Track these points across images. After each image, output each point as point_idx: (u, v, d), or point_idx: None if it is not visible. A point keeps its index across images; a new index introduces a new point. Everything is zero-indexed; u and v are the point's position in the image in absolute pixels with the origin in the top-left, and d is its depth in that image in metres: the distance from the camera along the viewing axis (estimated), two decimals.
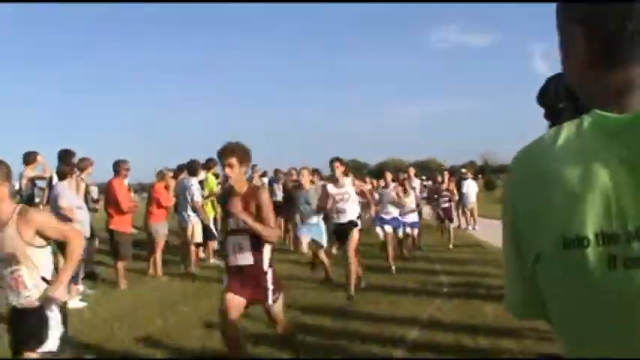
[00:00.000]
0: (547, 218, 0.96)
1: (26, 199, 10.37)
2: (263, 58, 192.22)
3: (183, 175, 11.98)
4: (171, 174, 12.16)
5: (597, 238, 0.91)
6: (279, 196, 14.94)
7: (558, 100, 1.82)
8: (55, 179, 9.20)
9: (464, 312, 7.39)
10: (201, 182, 11.91)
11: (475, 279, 9.54)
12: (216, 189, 12.42)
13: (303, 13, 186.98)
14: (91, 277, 10.04)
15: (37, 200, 10.35)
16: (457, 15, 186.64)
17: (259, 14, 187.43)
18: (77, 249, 4.00)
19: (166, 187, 11.54)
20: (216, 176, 12.76)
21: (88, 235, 9.13)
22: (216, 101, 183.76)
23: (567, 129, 0.98)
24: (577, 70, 1.07)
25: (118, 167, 10.16)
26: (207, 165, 12.54)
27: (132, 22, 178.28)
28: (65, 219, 8.62)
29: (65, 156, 9.63)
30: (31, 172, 10.15)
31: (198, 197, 11.38)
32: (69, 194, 8.88)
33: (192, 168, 11.72)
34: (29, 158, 10.15)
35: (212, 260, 12.23)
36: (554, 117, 1.76)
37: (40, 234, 3.81)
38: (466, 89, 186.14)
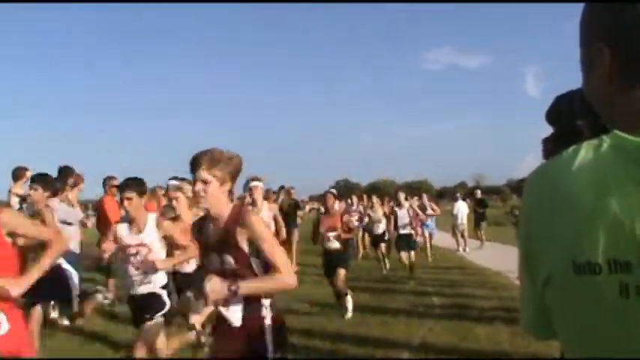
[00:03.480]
0: (558, 240, 0.94)
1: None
2: (257, 74, 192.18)
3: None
4: (163, 192, 12.09)
5: (609, 265, 0.89)
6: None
7: (575, 118, 1.79)
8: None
9: (455, 334, 7.37)
10: None
11: (467, 301, 9.52)
12: None
13: (296, 34, 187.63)
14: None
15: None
16: (450, 37, 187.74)
17: (254, 38, 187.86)
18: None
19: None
20: None
21: (77, 251, 9.09)
22: (208, 122, 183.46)
23: (585, 149, 0.96)
24: (599, 89, 1.05)
25: (108, 184, 10.10)
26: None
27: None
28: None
29: (65, 172, 9.54)
30: (19, 188, 10.11)
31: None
32: (63, 208, 8.82)
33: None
34: (18, 174, 10.11)
35: None
36: (569, 137, 1.73)
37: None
38: (458, 110, 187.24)
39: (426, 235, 16.10)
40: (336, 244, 8.99)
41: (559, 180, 0.97)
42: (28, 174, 10.15)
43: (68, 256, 8.66)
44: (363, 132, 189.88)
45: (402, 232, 12.71)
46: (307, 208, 18.59)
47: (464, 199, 21.25)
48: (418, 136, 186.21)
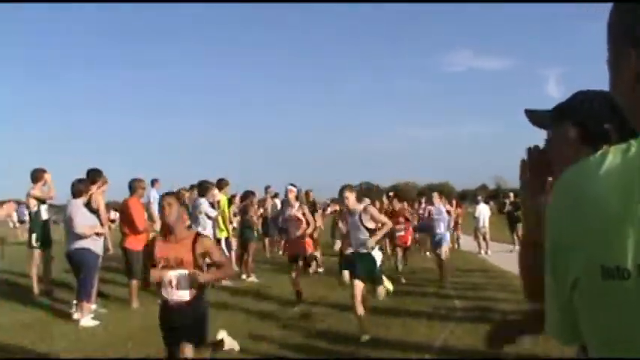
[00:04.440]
0: (586, 245, 0.93)
1: (34, 216, 10.48)
2: (289, 73, 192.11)
3: (193, 194, 12.05)
4: (188, 194, 12.21)
5: (638, 270, 0.87)
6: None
7: (601, 121, 1.76)
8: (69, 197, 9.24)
9: (477, 336, 7.32)
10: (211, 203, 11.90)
11: (488, 303, 9.48)
12: (228, 210, 12.51)
13: (319, 34, 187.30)
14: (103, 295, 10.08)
15: (43, 218, 10.44)
16: (470, 39, 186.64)
17: (284, 36, 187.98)
18: None
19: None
20: (230, 199, 12.83)
21: (101, 253, 9.19)
22: (222, 123, 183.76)
23: (613, 153, 0.95)
24: (626, 92, 1.03)
25: (134, 186, 10.17)
26: (219, 185, 12.57)
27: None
28: (78, 236, 8.69)
29: (92, 174, 9.67)
30: (38, 191, 10.23)
31: (212, 212, 11.45)
32: (83, 212, 8.90)
33: (202, 188, 11.74)
34: (36, 176, 10.24)
35: (223, 281, 12.20)
36: (595, 139, 1.70)
37: None
38: (479, 113, 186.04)
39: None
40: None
41: (586, 184, 0.96)
42: (47, 176, 10.28)
43: (91, 257, 8.79)
44: (383, 134, 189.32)
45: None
46: (329, 210, 18.55)
47: (486, 202, 21.14)
48: (439, 138, 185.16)
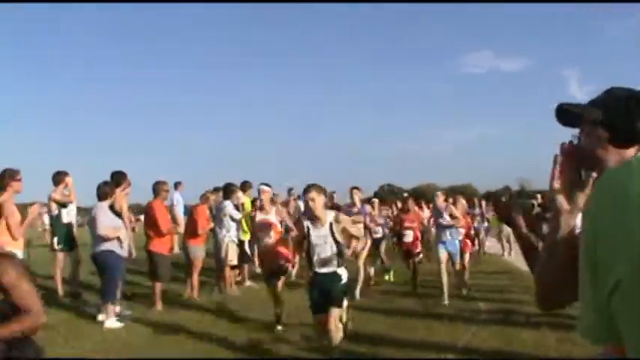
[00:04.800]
0: (629, 245, 0.92)
1: (54, 219, 10.58)
2: (298, 81, 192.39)
3: (217, 196, 12.10)
4: (213, 197, 12.26)
5: None
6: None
7: (632, 120, 1.72)
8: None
9: (501, 339, 7.31)
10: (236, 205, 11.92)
11: (512, 306, 9.42)
12: (251, 209, 12.57)
13: (336, 37, 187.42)
14: (126, 297, 10.16)
15: (64, 221, 10.54)
16: (489, 40, 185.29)
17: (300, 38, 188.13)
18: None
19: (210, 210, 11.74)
20: (253, 201, 12.87)
21: (126, 254, 9.25)
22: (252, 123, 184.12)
23: None
24: None
25: (158, 188, 10.22)
26: (243, 188, 12.61)
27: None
28: (103, 238, 8.76)
29: (118, 177, 9.72)
30: (59, 194, 10.31)
31: (236, 215, 11.47)
32: (108, 214, 8.97)
33: (227, 190, 11.78)
34: (57, 178, 10.34)
35: (247, 283, 12.25)
36: (626, 138, 1.67)
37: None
38: (501, 114, 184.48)
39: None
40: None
41: (629, 185, 0.95)
42: (68, 179, 10.37)
43: (116, 259, 8.86)
44: (405, 136, 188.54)
45: None
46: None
47: None
48: (462, 140, 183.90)
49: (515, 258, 17.60)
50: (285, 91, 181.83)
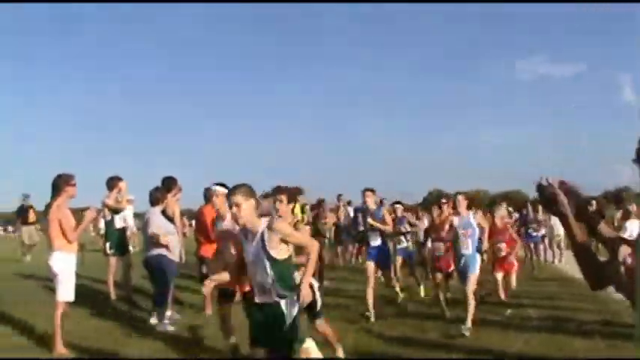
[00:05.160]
0: None
1: (107, 224, 10.80)
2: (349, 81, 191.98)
3: (269, 201, 12.17)
4: (266, 203, 12.29)
5: None
6: None
7: None
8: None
9: (552, 347, 7.22)
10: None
11: (563, 313, 9.31)
12: (300, 217, 12.62)
13: (388, 40, 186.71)
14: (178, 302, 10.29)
15: (117, 226, 10.74)
16: (543, 45, 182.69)
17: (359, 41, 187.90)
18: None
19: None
20: (303, 206, 12.92)
21: (177, 259, 9.37)
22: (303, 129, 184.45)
23: None
24: None
25: (209, 194, 10.31)
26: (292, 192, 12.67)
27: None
28: (155, 243, 8.89)
29: (169, 183, 9.81)
30: (111, 200, 10.49)
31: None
32: (160, 219, 9.10)
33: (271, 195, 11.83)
34: (111, 184, 10.54)
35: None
36: None
37: None
38: (551, 120, 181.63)
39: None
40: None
41: None
42: (122, 184, 10.55)
43: (167, 263, 8.99)
44: (454, 141, 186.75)
45: None
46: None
47: None
48: (512, 146, 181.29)
49: (566, 265, 17.38)
50: (332, 95, 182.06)
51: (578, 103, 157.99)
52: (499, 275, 11.00)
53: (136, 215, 12.09)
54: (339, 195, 17.15)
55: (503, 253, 11.06)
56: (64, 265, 7.38)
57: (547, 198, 2.50)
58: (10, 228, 55.38)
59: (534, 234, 16.91)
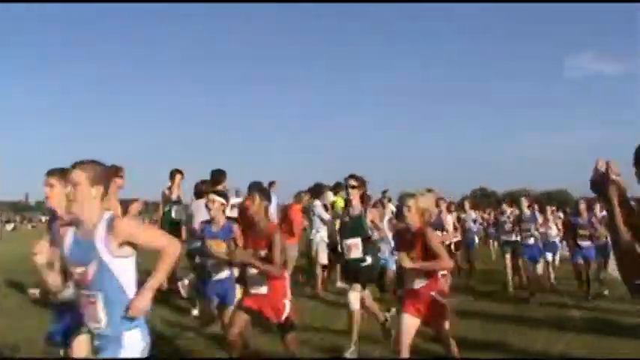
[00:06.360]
0: None
1: (165, 215, 10.93)
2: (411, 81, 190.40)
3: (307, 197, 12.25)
4: (308, 197, 12.34)
5: None
6: None
7: None
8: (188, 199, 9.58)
9: (596, 349, 7.14)
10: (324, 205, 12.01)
11: (607, 315, 9.20)
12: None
13: (437, 39, 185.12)
14: None
15: (173, 216, 10.85)
16: (592, 42, 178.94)
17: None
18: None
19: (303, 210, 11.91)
20: (345, 201, 12.92)
21: None
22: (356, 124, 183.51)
23: None
24: None
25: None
26: (335, 189, 12.70)
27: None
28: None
29: (217, 176, 9.66)
30: (168, 191, 10.66)
31: (325, 215, 11.56)
32: (203, 213, 9.17)
33: (315, 191, 11.91)
34: (171, 175, 10.69)
35: (338, 284, 12.17)
36: None
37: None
38: (600, 119, 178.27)
39: None
40: None
41: None
42: (178, 176, 10.69)
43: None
44: (501, 140, 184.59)
45: None
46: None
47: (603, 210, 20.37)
48: (561, 145, 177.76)
49: (610, 265, 17.11)
50: (381, 95, 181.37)
51: None
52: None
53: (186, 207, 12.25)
54: (384, 191, 16.96)
55: None
56: None
57: (599, 178, 2.50)
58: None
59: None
